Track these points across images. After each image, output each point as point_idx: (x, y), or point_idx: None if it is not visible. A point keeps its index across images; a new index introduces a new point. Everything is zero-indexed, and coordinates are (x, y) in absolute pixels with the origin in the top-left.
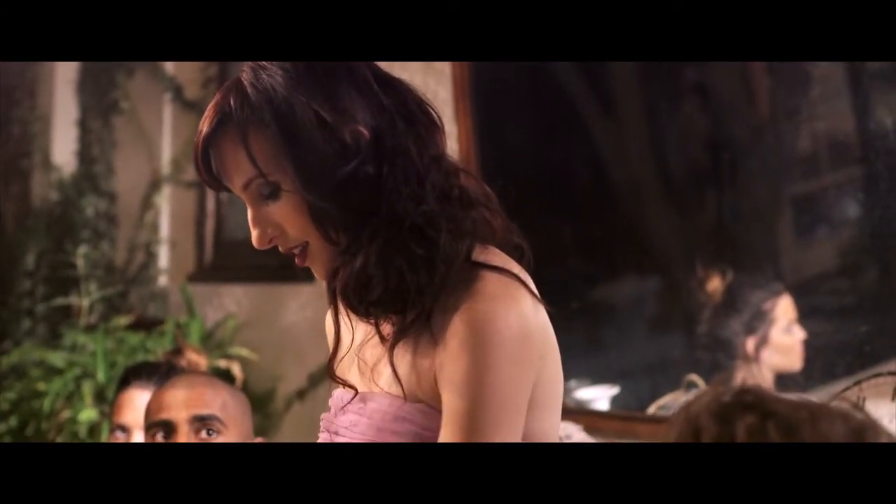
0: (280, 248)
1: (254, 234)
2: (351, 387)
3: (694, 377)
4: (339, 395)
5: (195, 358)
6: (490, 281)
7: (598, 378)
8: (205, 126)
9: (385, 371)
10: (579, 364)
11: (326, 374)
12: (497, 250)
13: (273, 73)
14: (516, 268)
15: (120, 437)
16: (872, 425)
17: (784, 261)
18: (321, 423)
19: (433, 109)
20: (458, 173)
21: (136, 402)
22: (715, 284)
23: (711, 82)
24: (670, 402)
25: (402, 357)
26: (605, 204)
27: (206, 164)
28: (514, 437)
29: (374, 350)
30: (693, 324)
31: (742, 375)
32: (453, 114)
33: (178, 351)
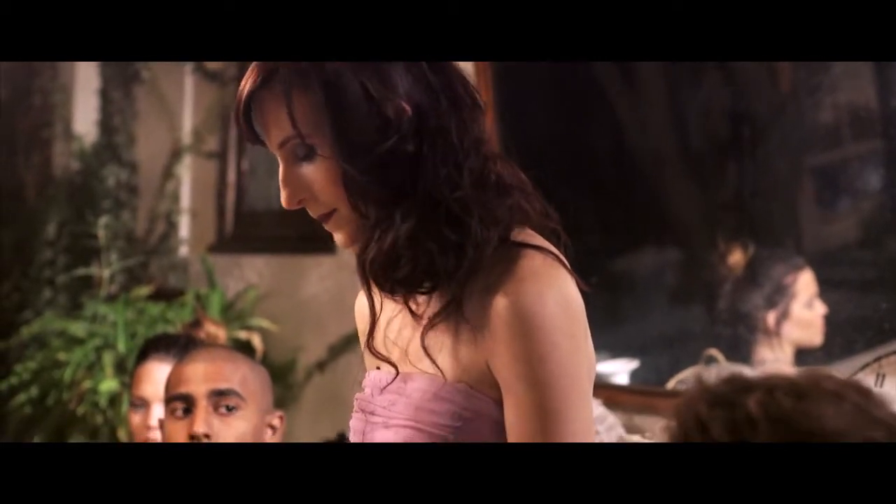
0: (309, 212)
1: (283, 192)
2: (392, 364)
3: (713, 351)
4: (375, 375)
5: (214, 330)
6: (531, 258)
7: (617, 352)
8: (249, 81)
9: (420, 351)
10: (599, 337)
11: (366, 349)
12: (534, 232)
13: None
14: (554, 249)
15: (138, 411)
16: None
17: (805, 234)
18: (355, 404)
19: (478, 93)
20: (496, 159)
21: (155, 375)
22: (737, 258)
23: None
24: (690, 376)
25: (439, 342)
26: (627, 177)
27: (246, 117)
28: (587, 409)
29: (409, 330)
30: (713, 298)
31: (763, 350)
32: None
33: (197, 323)
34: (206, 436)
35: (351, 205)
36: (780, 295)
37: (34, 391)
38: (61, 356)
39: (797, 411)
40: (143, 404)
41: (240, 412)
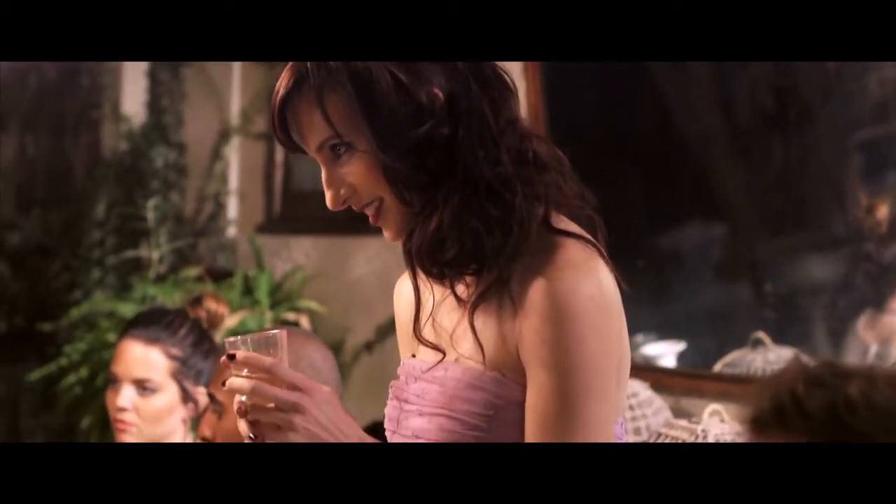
0: (354, 207)
1: (328, 194)
2: (439, 349)
3: (761, 334)
4: (410, 363)
5: (214, 307)
6: (570, 248)
7: (663, 332)
8: (281, 88)
9: (465, 337)
10: (644, 317)
11: (412, 338)
12: (571, 221)
13: None
14: (593, 239)
15: (112, 387)
16: None
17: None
18: (390, 391)
19: (507, 74)
20: (532, 137)
21: (129, 353)
22: (882, 213)
23: None
24: (737, 359)
25: (484, 322)
26: (674, 156)
27: (282, 126)
28: (606, 408)
29: (451, 315)
30: (761, 280)
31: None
32: (522, 70)
33: (197, 300)
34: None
35: (394, 194)
36: None
37: (84, 372)
38: (110, 337)
39: None
40: (115, 381)
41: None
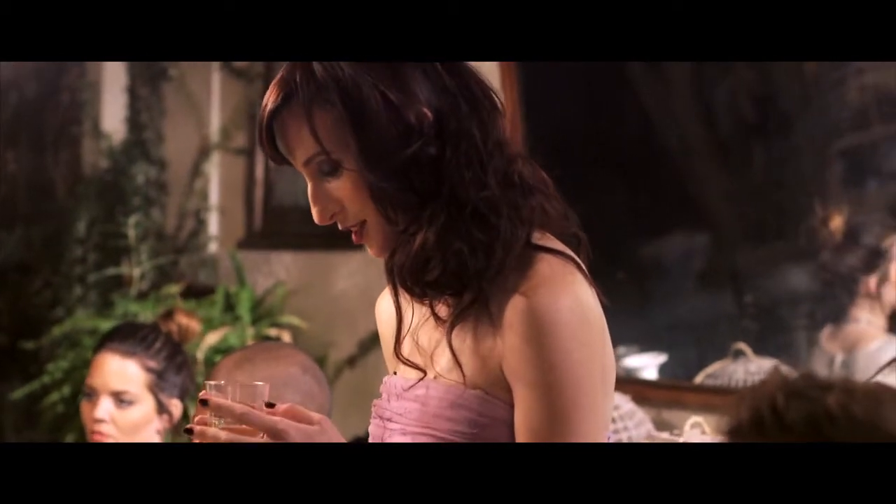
0: (339, 225)
1: (314, 210)
2: (420, 368)
3: (741, 345)
4: (391, 381)
5: (185, 322)
6: (547, 263)
7: (645, 344)
8: (269, 101)
9: (444, 355)
10: (628, 330)
11: (394, 356)
12: (554, 238)
13: None
14: (573, 254)
15: (89, 400)
16: None
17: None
18: (373, 410)
19: (496, 95)
20: (517, 159)
21: (106, 366)
22: (836, 223)
23: None
24: (718, 370)
25: (462, 341)
26: (654, 164)
27: (269, 139)
28: (595, 420)
29: (431, 334)
30: (742, 291)
31: (858, 311)
32: (499, 80)
33: (169, 314)
34: None
35: (380, 213)
36: (879, 259)
37: (66, 390)
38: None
39: (876, 415)
40: (92, 394)
41: None
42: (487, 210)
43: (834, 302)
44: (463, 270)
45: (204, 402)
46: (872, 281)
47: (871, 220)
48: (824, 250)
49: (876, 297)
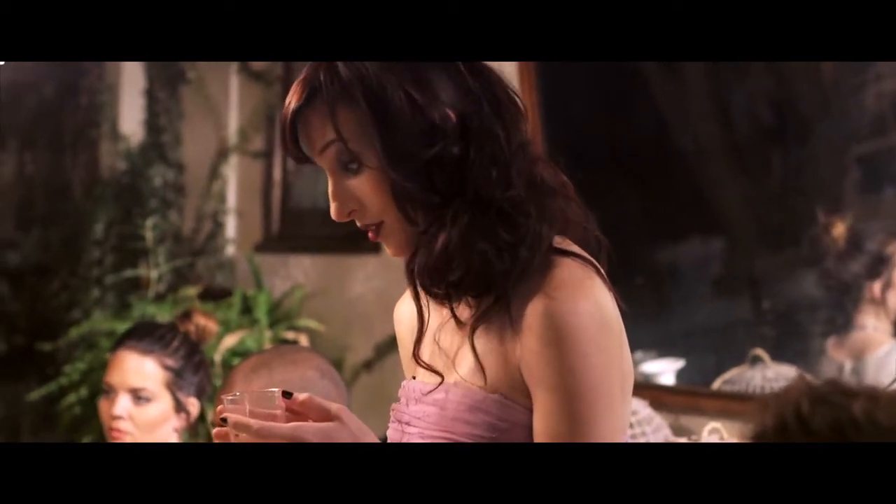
0: (357, 223)
1: (333, 206)
2: (437, 372)
3: (759, 351)
4: (410, 385)
5: (203, 322)
6: (566, 266)
7: (663, 349)
8: (293, 100)
9: (466, 358)
10: (645, 335)
11: (413, 360)
12: (570, 241)
13: None
14: (591, 258)
15: (107, 397)
16: None
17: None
18: (391, 414)
19: (519, 98)
20: (539, 161)
21: (124, 364)
22: (839, 230)
23: None
24: (735, 376)
25: (484, 344)
26: (671, 168)
27: (293, 138)
28: (613, 424)
29: (452, 337)
30: (759, 297)
31: (864, 317)
32: (517, 84)
33: (187, 314)
34: None
35: (400, 212)
36: (883, 265)
37: (83, 392)
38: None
39: None
40: (111, 391)
41: None
42: (513, 210)
43: (841, 310)
44: (488, 271)
45: (224, 420)
46: (877, 286)
47: (876, 227)
48: (828, 257)
49: (881, 302)
